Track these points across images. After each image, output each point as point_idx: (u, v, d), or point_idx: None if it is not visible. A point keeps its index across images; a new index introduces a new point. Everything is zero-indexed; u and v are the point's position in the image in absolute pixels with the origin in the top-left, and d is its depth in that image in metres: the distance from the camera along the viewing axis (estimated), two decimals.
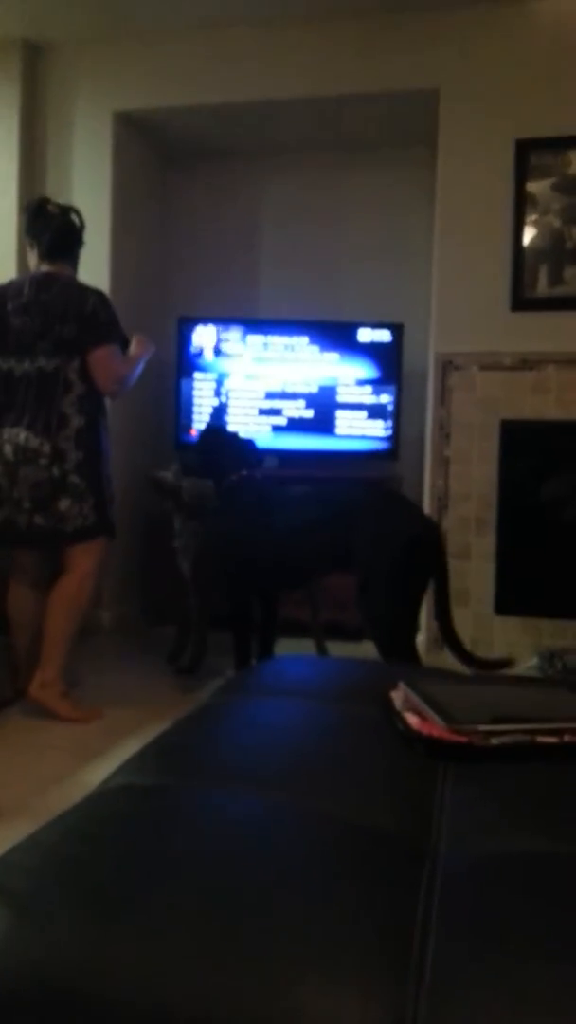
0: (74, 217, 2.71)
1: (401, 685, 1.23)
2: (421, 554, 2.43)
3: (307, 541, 2.58)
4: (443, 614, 2.45)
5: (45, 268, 2.66)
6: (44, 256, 2.67)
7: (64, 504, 2.54)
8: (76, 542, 2.59)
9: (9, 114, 3.68)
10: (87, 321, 2.55)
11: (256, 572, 2.71)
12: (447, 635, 2.45)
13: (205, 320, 3.86)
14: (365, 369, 3.74)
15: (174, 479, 3.07)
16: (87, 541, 2.61)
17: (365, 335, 3.74)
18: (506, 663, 2.46)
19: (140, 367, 2.74)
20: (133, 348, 2.73)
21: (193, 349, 3.85)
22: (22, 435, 2.53)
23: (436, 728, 1.08)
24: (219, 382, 3.84)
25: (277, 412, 3.79)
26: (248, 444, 2.88)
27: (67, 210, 2.71)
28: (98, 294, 2.62)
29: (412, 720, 1.12)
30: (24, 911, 0.68)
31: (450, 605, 2.47)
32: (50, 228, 2.66)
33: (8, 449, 2.55)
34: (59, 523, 2.55)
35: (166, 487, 3.08)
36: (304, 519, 2.59)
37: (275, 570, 2.70)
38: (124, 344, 2.67)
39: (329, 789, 0.95)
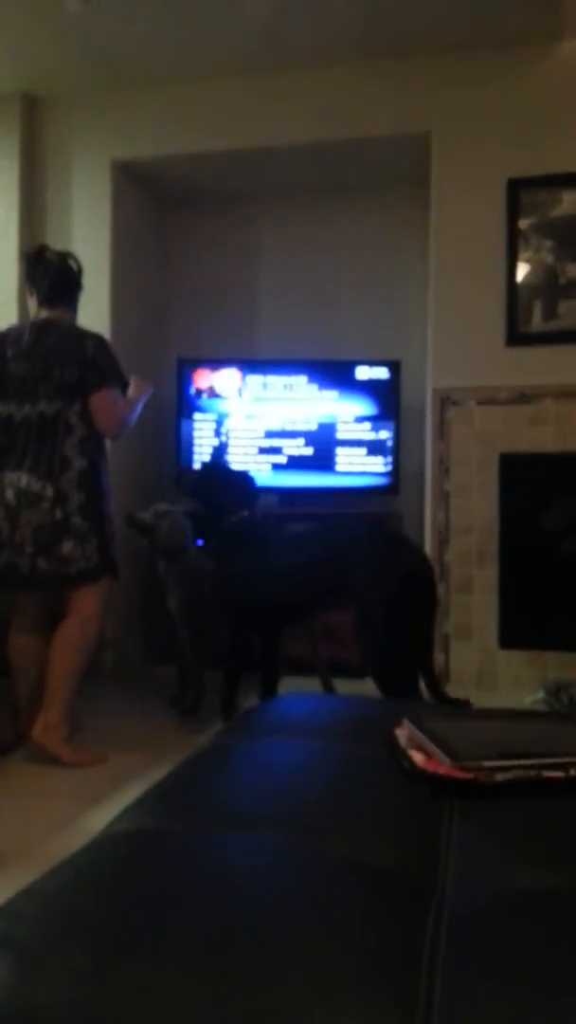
0: (72, 263, 2.75)
1: (405, 722, 1.22)
2: (418, 590, 2.47)
3: (307, 578, 2.63)
4: (425, 648, 2.56)
5: (44, 314, 2.69)
6: (43, 302, 2.70)
7: (67, 547, 2.54)
8: (80, 584, 2.59)
9: (9, 165, 3.76)
10: (88, 366, 2.58)
11: (257, 609, 2.75)
12: (425, 669, 2.54)
13: (204, 362, 3.90)
14: (364, 406, 3.77)
15: (151, 520, 3.08)
16: (91, 583, 2.60)
17: (363, 372, 3.78)
18: (466, 702, 2.52)
19: (139, 408, 2.78)
20: (131, 390, 2.77)
21: (192, 390, 3.89)
22: (24, 479, 2.54)
23: (441, 765, 1.08)
24: (219, 422, 3.86)
25: (277, 451, 3.81)
26: (246, 481, 2.92)
27: (65, 256, 2.74)
28: (97, 338, 2.65)
29: (417, 758, 1.12)
30: (27, 960, 0.68)
31: (433, 640, 2.61)
32: (48, 275, 2.69)
33: (10, 494, 2.55)
34: (63, 566, 2.55)
35: (143, 527, 3.09)
36: (304, 556, 2.64)
37: (276, 607, 2.74)
38: (124, 387, 2.70)
39: (333, 828, 0.94)
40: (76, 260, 2.76)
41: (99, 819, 1.97)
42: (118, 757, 2.57)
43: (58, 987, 0.64)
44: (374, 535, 2.69)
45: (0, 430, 2.61)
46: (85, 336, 2.64)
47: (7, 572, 2.57)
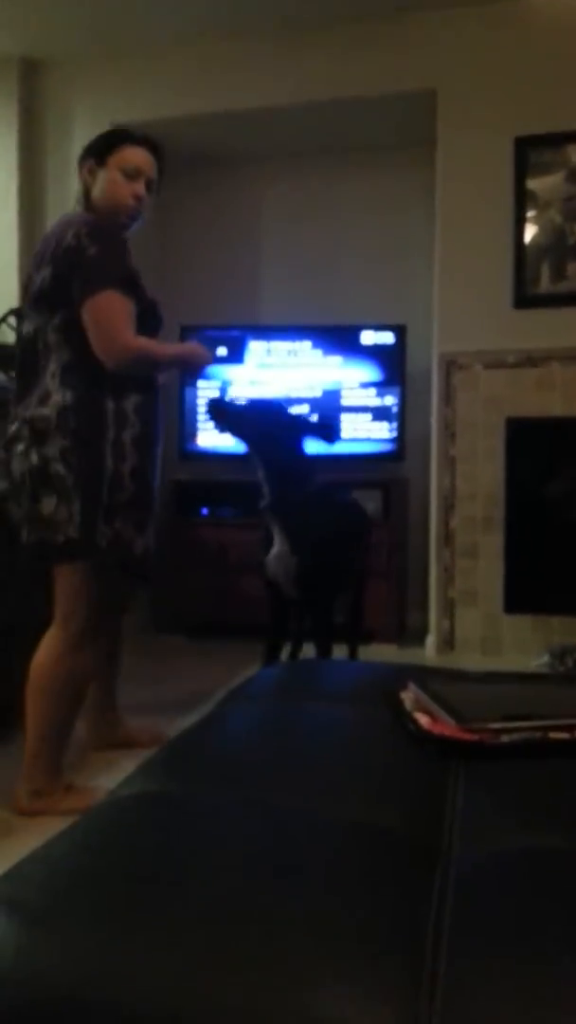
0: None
1: (411, 685, 1.22)
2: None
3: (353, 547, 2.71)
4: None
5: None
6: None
7: (47, 504, 1.88)
8: (62, 559, 1.93)
9: (8, 131, 3.70)
10: (68, 262, 1.87)
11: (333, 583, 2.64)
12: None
13: (207, 328, 3.86)
14: (369, 371, 3.74)
15: None
16: (67, 561, 1.92)
17: (368, 337, 3.74)
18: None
19: (168, 357, 2.07)
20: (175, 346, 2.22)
21: None
22: (12, 422, 1.98)
23: (447, 727, 1.08)
24: (223, 389, 3.84)
25: None
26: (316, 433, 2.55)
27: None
28: (86, 222, 1.93)
29: (423, 720, 1.12)
30: (35, 923, 0.68)
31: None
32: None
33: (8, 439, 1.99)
34: (46, 531, 1.90)
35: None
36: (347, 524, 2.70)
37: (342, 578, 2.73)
38: (129, 286, 1.92)
39: (339, 791, 0.94)
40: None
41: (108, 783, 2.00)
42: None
43: (64, 950, 0.65)
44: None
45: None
46: (68, 225, 1.93)
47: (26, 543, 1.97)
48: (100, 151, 2.05)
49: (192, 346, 2.21)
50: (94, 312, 1.85)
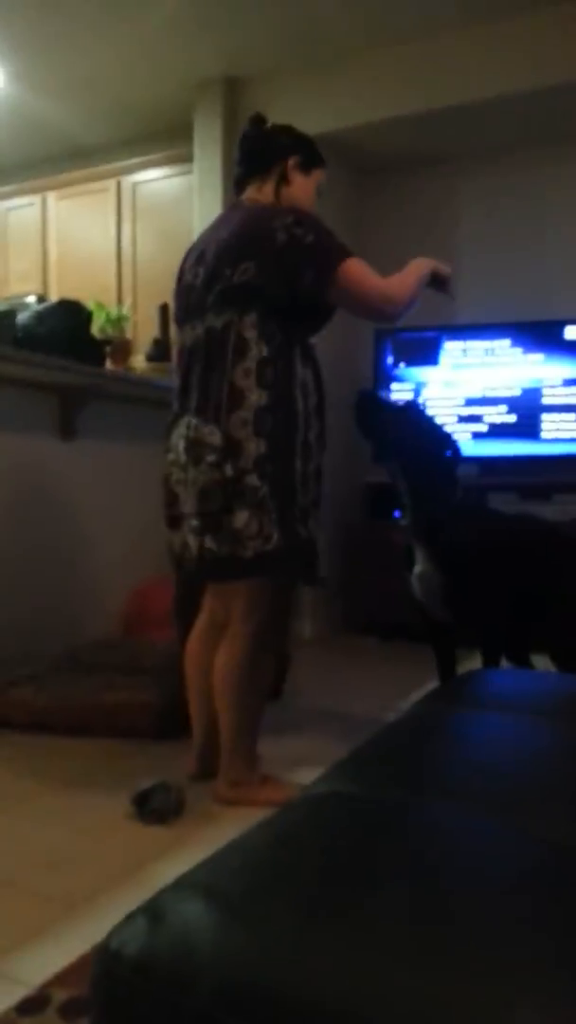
0: (248, 127, 2.06)
1: None
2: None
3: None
4: None
5: (235, 200, 2.03)
6: (235, 186, 2.06)
7: (240, 518, 1.81)
8: (253, 574, 1.85)
9: (213, 149, 3.88)
10: (288, 257, 1.81)
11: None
12: None
13: (402, 329, 3.84)
14: (573, 368, 3.55)
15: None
16: (262, 575, 1.86)
17: (573, 332, 3.55)
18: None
19: (421, 286, 1.96)
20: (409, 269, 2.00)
21: (389, 360, 3.84)
22: (192, 423, 1.87)
23: None
24: (416, 391, 3.80)
25: (478, 419, 3.69)
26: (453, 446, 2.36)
27: (258, 119, 2.08)
28: (288, 212, 1.88)
29: None
30: (233, 910, 0.70)
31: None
32: (239, 149, 2.05)
33: (180, 447, 1.90)
34: (235, 547, 1.82)
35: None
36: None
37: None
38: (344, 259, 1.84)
39: (545, 811, 0.89)
40: (255, 121, 2.08)
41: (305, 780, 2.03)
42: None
43: (260, 940, 0.66)
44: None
45: (177, 366, 1.99)
46: (268, 217, 1.85)
47: (184, 554, 1.94)
48: (312, 158, 2.06)
49: (425, 260, 2.04)
50: (351, 283, 1.83)
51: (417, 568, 2.30)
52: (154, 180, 4.23)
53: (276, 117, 3.82)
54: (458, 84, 3.48)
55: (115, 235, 4.33)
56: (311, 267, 1.80)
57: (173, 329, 2.14)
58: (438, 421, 2.45)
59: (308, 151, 2.05)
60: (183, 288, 1.98)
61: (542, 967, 0.60)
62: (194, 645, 2.09)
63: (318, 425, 1.95)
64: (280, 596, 1.96)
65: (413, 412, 2.42)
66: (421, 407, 2.44)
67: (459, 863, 0.76)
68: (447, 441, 2.31)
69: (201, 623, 2.09)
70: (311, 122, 3.80)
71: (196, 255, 1.96)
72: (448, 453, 2.29)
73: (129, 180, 4.30)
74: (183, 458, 1.88)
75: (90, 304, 3.30)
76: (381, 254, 4.25)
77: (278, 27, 3.45)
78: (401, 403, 2.40)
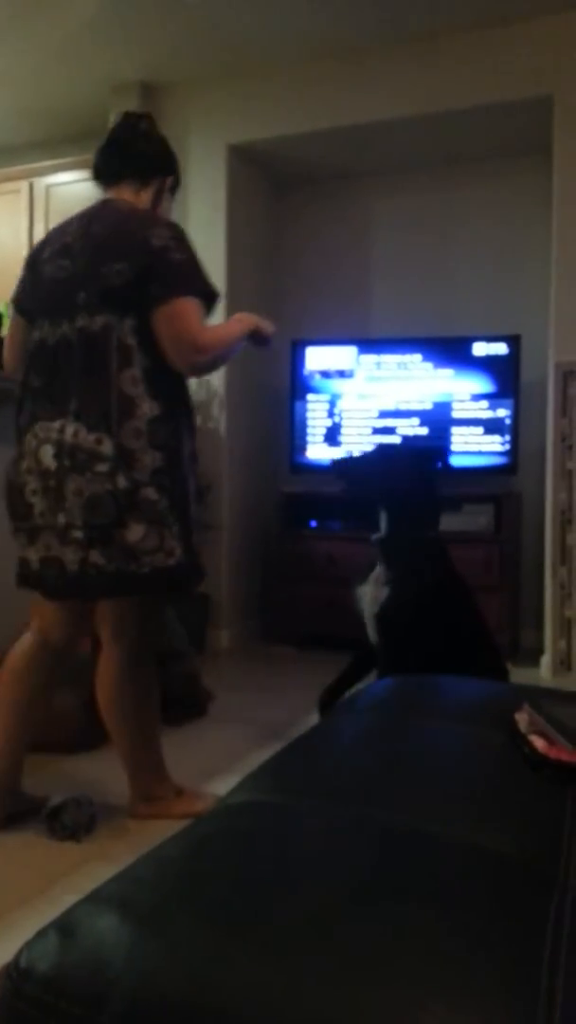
0: (141, 123, 1.95)
1: (525, 707, 1.18)
2: None
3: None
4: None
5: (103, 197, 1.92)
6: (101, 180, 1.94)
7: (135, 532, 1.71)
8: (147, 590, 1.76)
9: None
10: (149, 263, 1.72)
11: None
12: None
13: (317, 342, 3.89)
14: (481, 383, 3.67)
15: None
16: (170, 589, 1.79)
17: (480, 348, 3.67)
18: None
19: (236, 345, 1.87)
20: (231, 324, 1.90)
21: (305, 372, 3.88)
22: (69, 429, 1.72)
23: (564, 752, 1.03)
24: (332, 403, 3.85)
25: (391, 431, 3.76)
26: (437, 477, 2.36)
27: (132, 116, 1.98)
28: (171, 226, 1.80)
29: (539, 743, 1.08)
30: (146, 923, 0.69)
31: None
32: (124, 143, 1.93)
33: (46, 452, 1.74)
34: (129, 561, 1.71)
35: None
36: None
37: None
38: (207, 298, 1.79)
39: (449, 811, 0.92)
40: (149, 122, 1.97)
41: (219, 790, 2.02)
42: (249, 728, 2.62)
43: (176, 951, 0.66)
44: None
45: (29, 364, 1.84)
46: (150, 222, 1.78)
47: (45, 570, 1.76)
48: (177, 182, 2.02)
49: (248, 316, 1.93)
50: (176, 316, 1.71)
51: (369, 584, 2.29)
52: (68, 183, 4.16)
53: (193, 125, 3.87)
54: (372, 102, 3.56)
55: (27, 238, 4.24)
56: (160, 280, 1.72)
57: (7, 324, 2.00)
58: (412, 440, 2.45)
59: (177, 176, 2.02)
60: (43, 281, 1.84)
61: (458, 975, 0.62)
62: (17, 663, 1.88)
63: (190, 438, 1.86)
64: (154, 611, 1.90)
65: (387, 452, 2.39)
66: (391, 448, 2.41)
67: (371, 867, 0.77)
68: (431, 457, 2.33)
69: (28, 643, 1.89)
70: (229, 132, 3.85)
71: (57, 247, 1.84)
72: (438, 465, 2.33)
73: (42, 182, 4.22)
74: (51, 465, 1.73)
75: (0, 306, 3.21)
76: (295, 264, 4.32)
77: (198, 36, 3.46)
78: (372, 450, 2.37)
